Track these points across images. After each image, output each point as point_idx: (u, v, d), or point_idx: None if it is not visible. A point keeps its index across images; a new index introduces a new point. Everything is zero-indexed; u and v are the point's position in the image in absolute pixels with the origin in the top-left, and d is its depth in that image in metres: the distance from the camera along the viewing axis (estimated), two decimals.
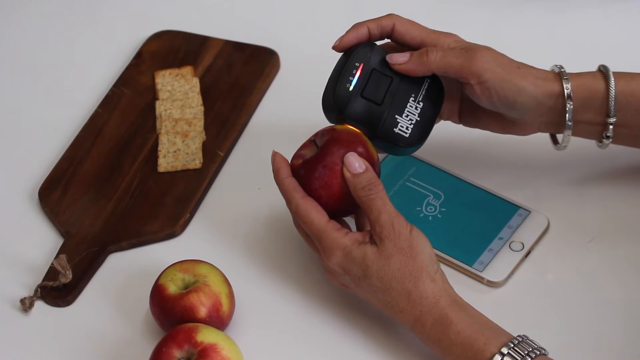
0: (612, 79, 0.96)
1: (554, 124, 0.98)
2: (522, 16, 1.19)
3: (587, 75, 0.97)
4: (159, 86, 1.13)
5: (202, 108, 1.11)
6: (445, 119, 1.02)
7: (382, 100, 0.95)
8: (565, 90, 0.95)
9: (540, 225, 1.00)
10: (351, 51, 0.97)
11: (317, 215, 0.92)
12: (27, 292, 0.99)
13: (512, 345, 0.86)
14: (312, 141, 0.95)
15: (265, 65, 1.15)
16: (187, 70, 1.15)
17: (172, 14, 1.23)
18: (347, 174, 0.93)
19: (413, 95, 0.96)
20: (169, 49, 1.17)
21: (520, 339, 0.87)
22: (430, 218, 1.01)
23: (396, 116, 0.95)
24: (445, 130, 1.06)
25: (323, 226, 0.92)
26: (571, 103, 0.95)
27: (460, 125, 1.03)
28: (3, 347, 0.96)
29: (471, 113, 1.00)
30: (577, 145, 1.07)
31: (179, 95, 1.12)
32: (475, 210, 1.01)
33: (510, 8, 1.20)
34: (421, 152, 1.06)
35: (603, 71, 0.97)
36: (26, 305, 0.97)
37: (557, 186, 1.04)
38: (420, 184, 1.04)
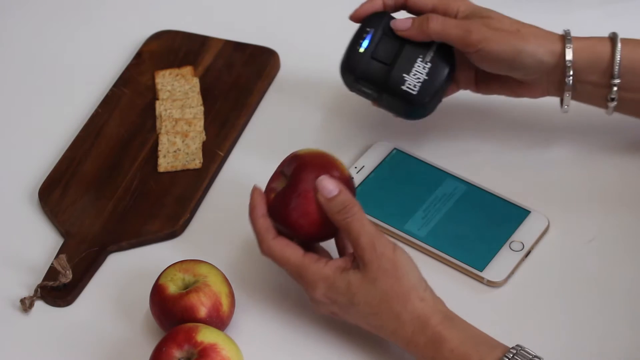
0: (619, 44, 0.97)
1: (561, 85, 1.00)
2: (523, 17, 1.19)
3: (594, 39, 0.99)
4: (159, 86, 1.13)
5: (202, 108, 1.11)
6: (463, 88, 1.04)
7: (391, 61, 0.99)
8: (567, 49, 0.97)
9: (541, 225, 1.00)
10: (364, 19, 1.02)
11: (292, 252, 0.91)
12: (27, 292, 0.99)
13: (507, 359, 0.85)
14: (280, 172, 0.95)
15: (265, 65, 1.15)
16: (187, 70, 1.15)
17: (172, 14, 1.23)
18: (321, 199, 0.91)
19: (421, 56, 1.00)
20: (169, 48, 1.17)
21: (515, 351, 0.85)
22: (430, 218, 1.01)
23: (404, 75, 0.99)
24: (446, 131, 1.06)
25: (300, 261, 0.90)
26: (571, 61, 0.97)
27: (460, 125, 1.04)
28: (3, 347, 0.96)
29: (485, 80, 1.03)
30: (578, 145, 1.07)
31: (179, 95, 1.12)
32: (476, 211, 1.01)
33: (510, 8, 1.20)
34: (422, 152, 1.06)
35: (612, 37, 0.99)
36: (26, 305, 0.97)
37: (557, 186, 1.04)
38: (419, 184, 1.04)
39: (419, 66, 0.99)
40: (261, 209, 0.93)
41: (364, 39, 1.00)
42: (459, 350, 0.86)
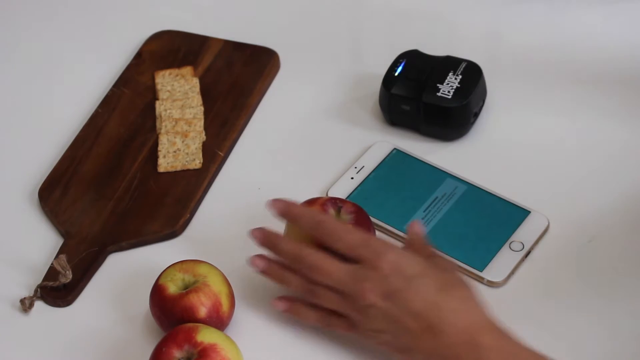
0: None
1: None
2: (520, 17, 1.20)
3: None
4: (158, 86, 1.13)
5: (202, 108, 1.11)
6: None
7: (425, 78, 1.07)
8: None
9: (540, 225, 1.00)
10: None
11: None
12: (27, 292, 0.99)
13: None
14: (335, 205, 0.96)
15: (265, 65, 1.15)
16: (187, 70, 1.15)
17: (172, 13, 1.22)
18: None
19: (452, 70, 1.07)
20: (168, 49, 1.18)
21: None
22: (430, 218, 1.01)
23: (437, 85, 1.06)
24: None
25: (367, 234, 0.90)
26: None
27: None
28: (3, 347, 0.96)
29: None
30: (577, 145, 1.07)
31: (179, 95, 1.12)
32: (476, 211, 1.01)
33: (508, 9, 1.20)
34: (422, 152, 1.06)
35: None
36: (26, 305, 0.98)
37: (557, 186, 1.04)
38: (419, 184, 1.04)
39: (450, 77, 1.06)
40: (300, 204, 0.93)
41: (398, 66, 1.08)
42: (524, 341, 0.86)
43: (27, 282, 1.00)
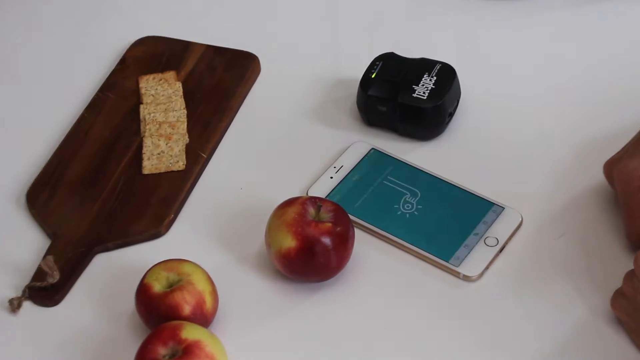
0: None
1: None
2: (493, 18, 1.20)
3: None
4: (142, 90, 1.14)
5: (185, 111, 1.11)
6: None
7: (401, 79, 1.07)
8: None
9: (514, 221, 1.01)
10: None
11: None
12: (15, 292, 0.99)
13: None
14: (316, 204, 0.97)
15: (246, 69, 1.15)
16: (170, 74, 1.15)
17: (156, 20, 1.23)
18: None
19: (427, 72, 1.08)
20: (152, 54, 1.18)
21: None
22: (407, 215, 1.02)
23: (413, 86, 1.07)
24: None
25: None
26: None
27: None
28: None
29: None
30: (546, 144, 1.08)
31: (163, 99, 1.13)
32: (451, 207, 1.02)
33: (479, 9, 1.21)
34: (400, 152, 1.07)
35: None
36: (14, 305, 0.98)
37: (530, 183, 1.05)
38: (397, 182, 1.05)
39: (425, 79, 1.07)
40: None
41: (375, 68, 1.09)
42: None
43: (16, 282, 1.00)
